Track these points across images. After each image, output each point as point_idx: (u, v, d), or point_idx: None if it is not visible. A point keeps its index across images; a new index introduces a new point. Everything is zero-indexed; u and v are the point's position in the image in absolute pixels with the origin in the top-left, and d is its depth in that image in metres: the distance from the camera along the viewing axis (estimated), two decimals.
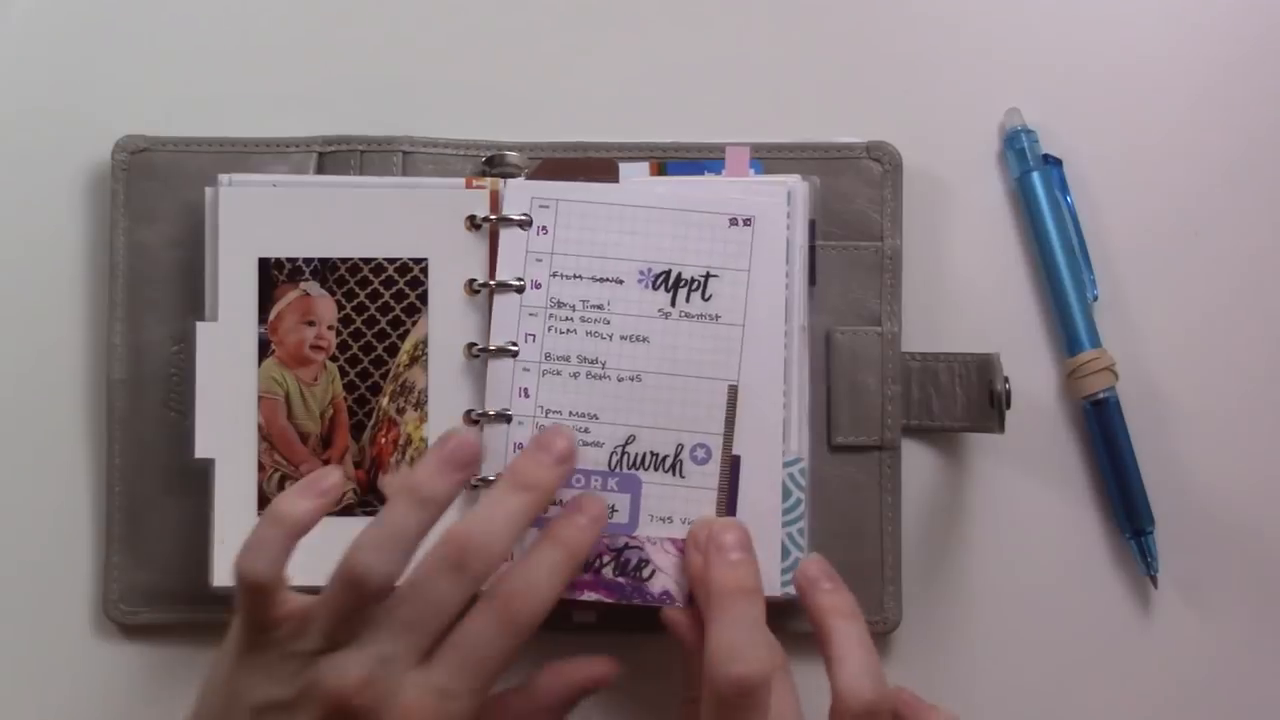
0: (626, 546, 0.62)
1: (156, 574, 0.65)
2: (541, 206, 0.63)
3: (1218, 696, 0.67)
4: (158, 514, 0.65)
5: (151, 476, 0.65)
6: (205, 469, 0.63)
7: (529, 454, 0.59)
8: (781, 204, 0.62)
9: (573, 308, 0.63)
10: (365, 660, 0.53)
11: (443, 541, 0.55)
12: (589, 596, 0.62)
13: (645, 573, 0.61)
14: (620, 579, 0.62)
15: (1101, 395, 0.65)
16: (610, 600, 0.62)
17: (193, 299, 0.64)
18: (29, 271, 0.67)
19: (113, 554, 0.65)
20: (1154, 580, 0.66)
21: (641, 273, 0.62)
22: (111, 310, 0.66)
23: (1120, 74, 0.68)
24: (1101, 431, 0.66)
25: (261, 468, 0.63)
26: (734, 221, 0.62)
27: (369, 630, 0.54)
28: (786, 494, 0.62)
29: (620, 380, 0.62)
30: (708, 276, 0.62)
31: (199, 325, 0.63)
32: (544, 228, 0.63)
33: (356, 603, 0.54)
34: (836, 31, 0.68)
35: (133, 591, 0.66)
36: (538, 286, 0.63)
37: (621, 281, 0.62)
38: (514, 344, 0.63)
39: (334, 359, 0.63)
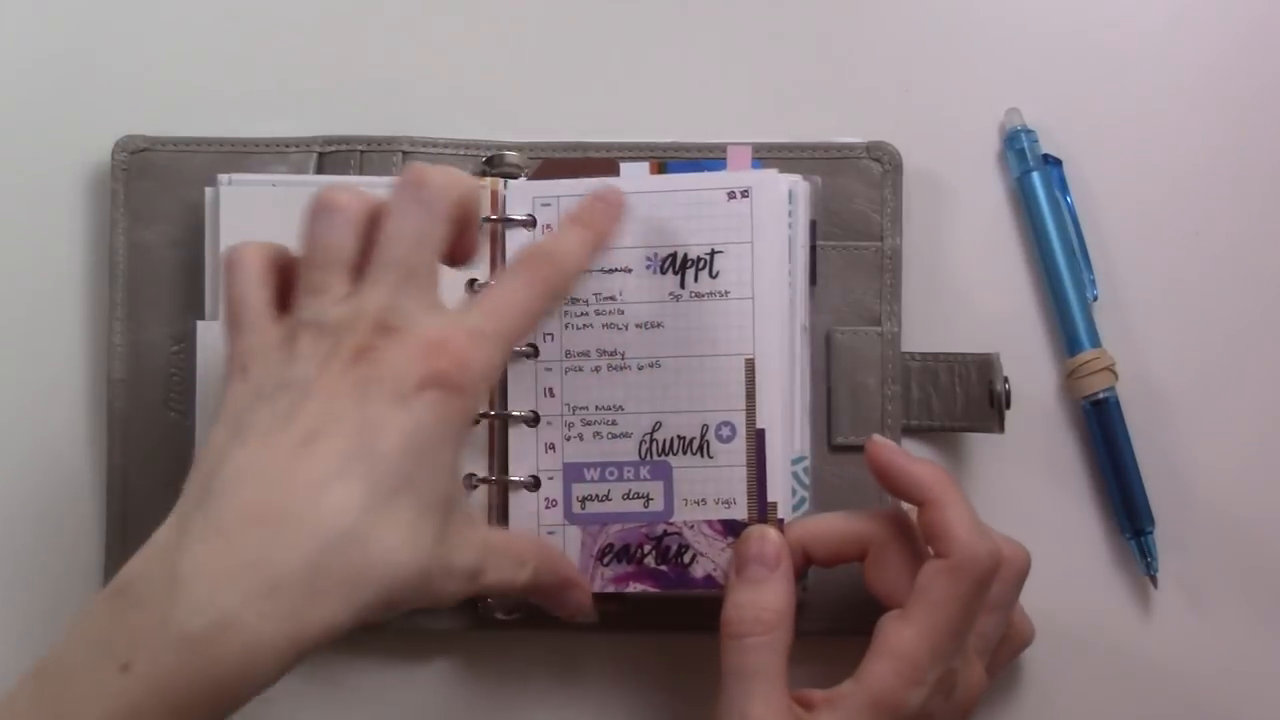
0: (665, 534, 0.62)
1: None
2: (544, 205, 0.63)
3: (1218, 696, 0.67)
4: (158, 514, 0.64)
5: (151, 476, 0.65)
6: None
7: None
8: (776, 175, 0.62)
9: (586, 302, 0.63)
10: (381, 297, 0.52)
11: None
12: (635, 588, 0.62)
13: (686, 558, 0.62)
14: (663, 567, 0.62)
15: (1101, 395, 0.65)
16: (656, 590, 0.62)
17: (193, 299, 0.64)
18: (29, 271, 0.67)
19: (113, 554, 0.65)
20: (1154, 580, 0.66)
21: (649, 259, 0.62)
22: (111, 310, 0.66)
23: (1120, 74, 0.68)
24: (1101, 431, 0.66)
25: None
26: (732, 195, 0.62)
27: (373, 275, 0.53)
28: (792, 492, 0.62)
29: (640, 368, 0.62)
30: (713, 254, 0.62)
31: (199, 324, 0.63)
32: (548, 226, 0.63)
33: (326, 228, 0.54)
34: (837, 31, 0.68)
35: None
36: None
37: (630, 270, 0.62)
38: (531, 344, 0.63)
39: None
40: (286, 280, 0.56)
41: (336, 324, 0.52)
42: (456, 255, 0.57)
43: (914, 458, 0.58)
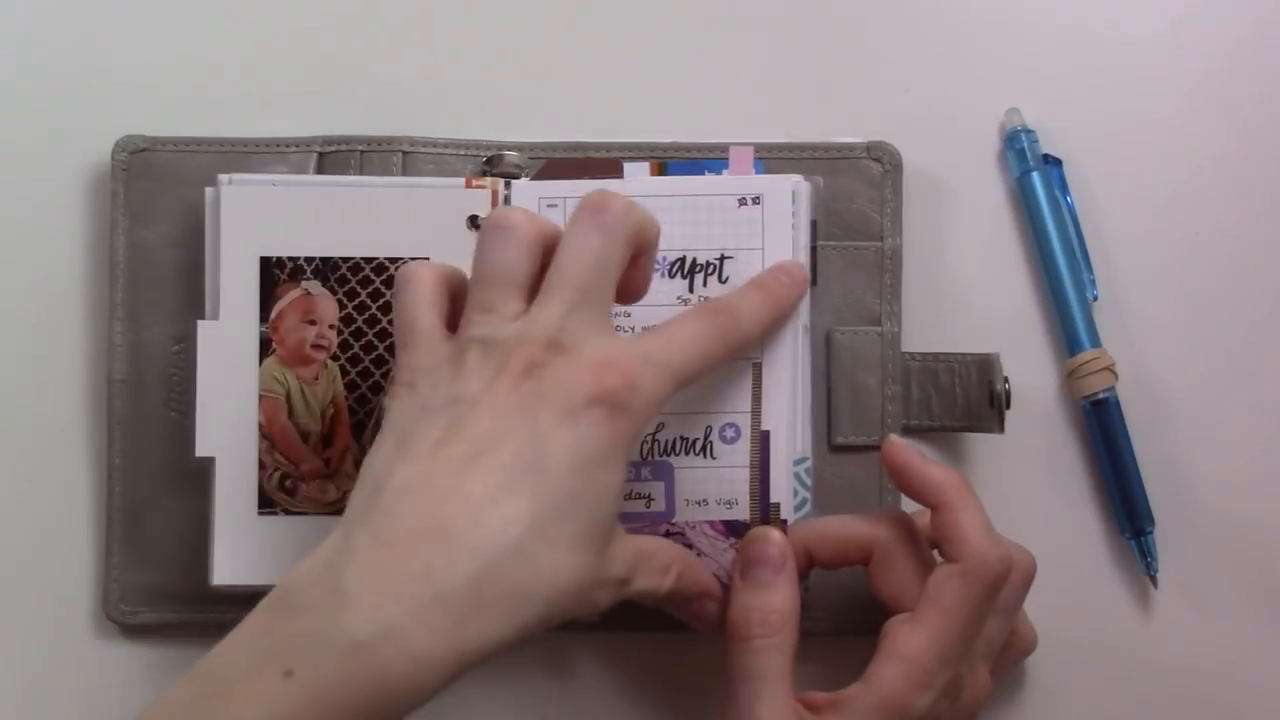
0: (667, 534, 0.62)
1: (156, 574, 0.65)
2: (550, 206, 0.63)
3: (1218, 696, 0.67)
4: (158, 514, 0.65)
5: (151, 476, 0.65)
6: (205, 468, 0.63)
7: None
8: (786, 182, 0.62)
9: None
10: (553, 316, 0.52)
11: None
12: None
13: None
14: None
15: (1101, 395, 0.65)
16: None
17: (193, 299, 0.64)
18: (29, 271, 0.67)
19: (113, 554, 0.65)
20: (1154, 580, 0.66)
21: (657, 262, 0.62)
22: (111, 310, 0.66)
23: (1120, 74, 0.68)
24: (1101, 431, 0.66)
25: (262, 466, 0.63)
26: (743, 201, 0.62)
27: (546, 295, 0.53)
28: (794, 493, 0.62)
29: None
30: (722, 259, 0.62)
31: (200, 324, 0.63)
32: None
33: (501, 248, 0.54)
34: (836, 31, 0.68)
35: (133, 591, 0.65)
36: None
37: None
38: None
39: (335, 358, 0.63)
40: (457, 303, 0.55)
41: (506, 341, 0.52)
42: (628, 287, 0.56)
43: (930, 460, 0.59)
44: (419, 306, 0.55)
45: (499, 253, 0.54)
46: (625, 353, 0.52)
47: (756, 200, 0.62)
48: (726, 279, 0.62)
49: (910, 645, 0.55)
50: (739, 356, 0.60)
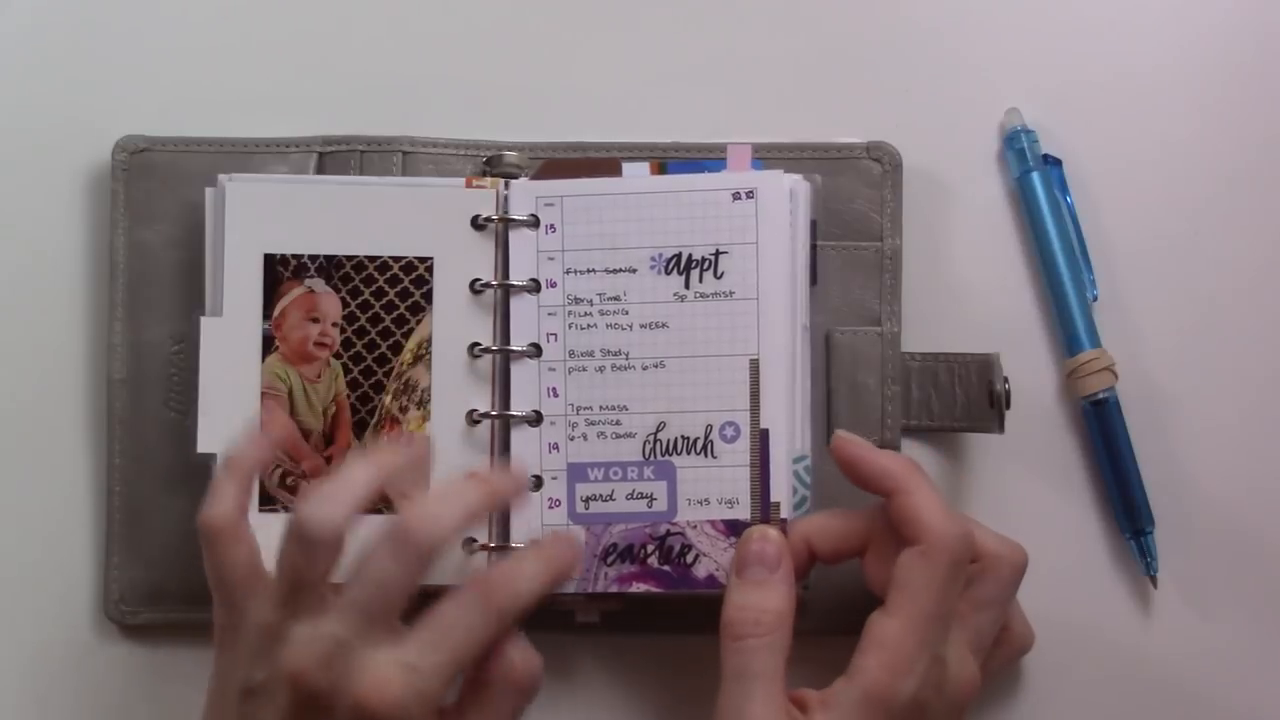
0: (668, 534, 0.62)
1: (156, 574, 0.65)
2: (547, 205, 0.63)
3: (1218, 696, 0.67)
4: (158, 514, 0.65)
5: (151, 476, 0.65)
6: (206, 469, 0.63)
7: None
8: (781, 176, 0.63)
9: (590, 302, 0.63)
10: (322, 639, 0.54)
11: (388, 521, 0.56)
12: (638, 588, 0.62)
13: (689, 558, 0.62)
14: (665, 567, 0.62)
15: (1101, 395, 0.66)
16: (659, 590, 0.62)
17: (193, 299, 0.64)
18: (29, 271, 0.67)
19: (113, 554, 0.65)
20: (1154, 580, 0.66)
21: (653, 259, 0.63)
22: (111, 310, 0.66)
23: (1120, 74, 0.68)
24: (1101, 431, 0.66)
25: None
26: (737, 196, 0.62)
27: (327, 609, 0.54)
28: (793, 491, 0.62)
29: (644, 369, 0.62)
30: (717, 254, 0.62)
31: (203, 320, 0.63)
32: (552, 226, 0.63)
33: (304, 559, 0.54)
34: (836, 31, 0.68)
35: (133, 591, 0.65)
36: (553, 285, 0.63)
37: (635, 270, 0.63)
38: (534, 344, 0.63)
39: (337, 356, 0.63)
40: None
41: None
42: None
43: (879, 450, 0.59)
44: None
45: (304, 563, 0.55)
46: (388, 677, 0.54)
47: (750, 194, 0.62)
48: (722, 274, 0.62)
49: (886, 634, 0.56)
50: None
